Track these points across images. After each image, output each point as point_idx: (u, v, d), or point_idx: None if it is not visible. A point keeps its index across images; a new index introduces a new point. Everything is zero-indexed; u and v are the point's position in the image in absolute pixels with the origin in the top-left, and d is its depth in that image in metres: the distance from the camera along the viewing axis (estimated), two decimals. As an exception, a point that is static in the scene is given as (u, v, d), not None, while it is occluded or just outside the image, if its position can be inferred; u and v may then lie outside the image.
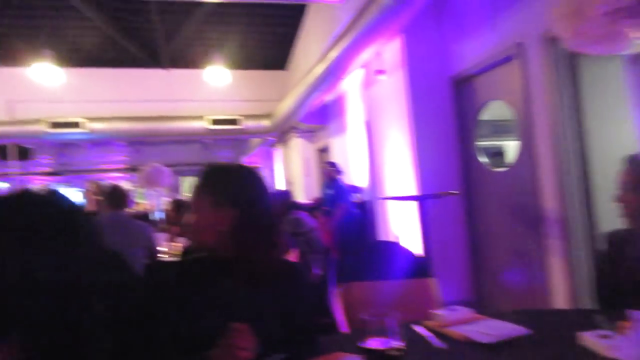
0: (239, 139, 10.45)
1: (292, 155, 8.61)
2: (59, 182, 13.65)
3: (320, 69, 5.15)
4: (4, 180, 10.09)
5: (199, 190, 1.19)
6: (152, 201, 6.39)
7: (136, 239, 3.21)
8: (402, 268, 1.80)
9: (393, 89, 4.49)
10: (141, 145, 12.62)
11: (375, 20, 3.77)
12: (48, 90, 6.98)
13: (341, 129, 6.60)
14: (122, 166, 13.91)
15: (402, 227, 4.45)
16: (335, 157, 6.64)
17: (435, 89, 4.17)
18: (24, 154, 9.81)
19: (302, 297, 1.26)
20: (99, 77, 7.66)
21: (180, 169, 12.38)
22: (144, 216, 4.78)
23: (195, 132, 7.96)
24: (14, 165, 9.31)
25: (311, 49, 7.04)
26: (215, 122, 7.71)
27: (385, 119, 4.80)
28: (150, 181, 5.12)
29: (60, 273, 0.71)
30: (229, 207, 1.15)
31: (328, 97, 6.01)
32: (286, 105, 6.84)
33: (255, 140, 10.19)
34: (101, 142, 9.82)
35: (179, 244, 4.43)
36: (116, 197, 3.20)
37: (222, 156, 14.78)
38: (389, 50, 4.46)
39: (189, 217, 1.19)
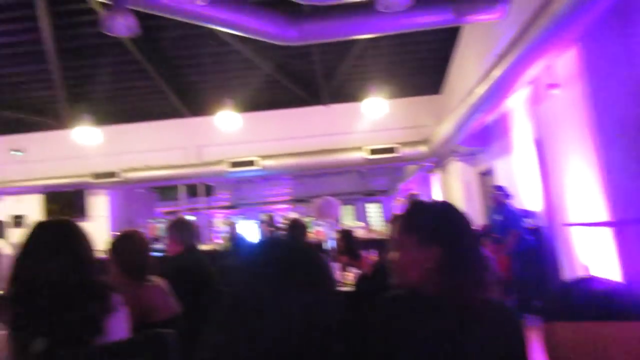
0: (395, 167, 10.50)
1: (451, 180, 8.33)
2: (235, 214, 15.27)
3: (481, 89, 4.94)
4: (194, 214, 11.66)
5: (403, 228, 1.21)
6: (322, 231, 6.75)
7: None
8: (618, 308, 1.58)
9: (570, 102, 4.09)
10: (303, 177, 13.51)
11: (546, 32, 3.50)
12: (228, 134, 7.92)
13: (506, 150, 6.20)
14: (287, 198, 15.05)
15: (591, 257, 3.95)
16: (501, 180, 6.24)
17: (623, 96, 3.68)
18: (208, 191, 11.24)
19: (512, 339, 1.18)
20: (269, 119, 8.45)
21: (338, 199, 12.91)
22: (317, 246, 5.03)
23: (354, 163, 8.22)
24: (201, 201, 10.69)
25: (468, 69, 6.83)
26: (374, 151, 7.87)
27: (561, 135, 4.37)
28: (322, 213, 5.42)
29: (311, 313, 0.78)
30: (434, 245, 1.14)
31: (490, 118, 5.71)
32: (444, 129, 6.69)
33: (412, 167, 10.12)
34: (270, 177, 10.71)
35: (350, 274, 4.55)
36: (297, 229, 3.44)
37: (378, 184, 15.02)
38: (563, 62, 4.09)
39: (392, 254, 1.21)
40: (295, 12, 5.29)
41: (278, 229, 8.66)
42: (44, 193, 8.68)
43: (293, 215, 9.58)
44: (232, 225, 8.24)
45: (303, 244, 0.91)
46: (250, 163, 7.98)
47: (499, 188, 5.57)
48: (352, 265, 4.72)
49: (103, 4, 5.62)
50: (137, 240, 2.24)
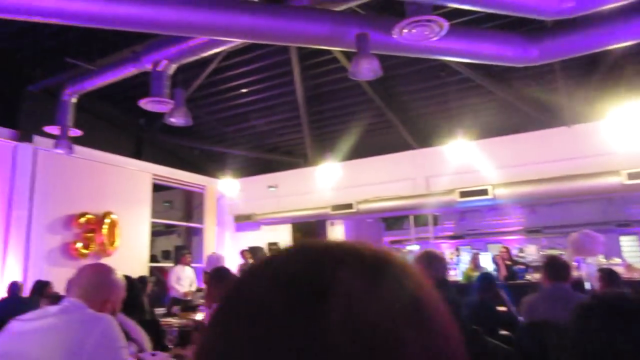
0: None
1: None
2: (460, 245, 14.77)
3: None
4: (419, 244, 11.73)
5: None
6: (580, 268, 5.91)
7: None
8: None
9: None
10: (536, 206, 12.26)
11: None
12: (457, 163, 7.77)
13: None
14: (519, 228, 13.87)
15: None
16: None
17: None
18: (435, 220, 11.19)
19: None
20: (502, 145, 7.94)
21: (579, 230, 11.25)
22: (578, 284, 4.42)
23: (607, 190, 7.12)
24: (427, 231, 10.70)
25: None
26: (634, 175, 6.67)
27: None
28: (582, 249, 4.77)
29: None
30: None
31: None
32: None
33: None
34: (500, 206, 10.06)
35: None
36: (556, 268, 3.07)
37: (635, 213, 12.61)
38: None
39: None
40: (535, 30, 4.94)
41: (515, 262, 7.98)
42: (292, 223, 9.90)
43: (531, 248, 8.73)
44: (475, 257, 7.92)
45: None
46: (483, 192, 7.63)
47: None
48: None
49: (343, 52, 6.23)
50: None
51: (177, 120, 5.11)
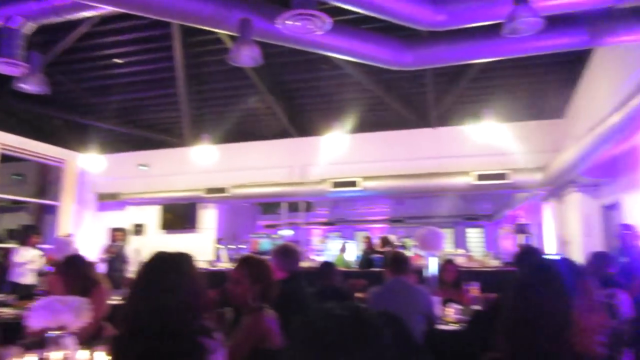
0: (503, 193, 9.94)
1: (568, 212, 7.66)
2: (332, 231, 15.46)
3: (615, 118, 4.51)
4: (293, 229, 12.03)
5: None
6: (421, 256, 6.51)
7: (415, 306, 3.22)
8: None
9: None
10: (402, 198, 13.29)
11: None
12: (333, 154, 8.05)
13: (635, 184, 5.59)
14: (385, 218, 14.90)
15: None
16: (628, 215, 5.62)
17: None
18: (308, 207, 11.52)
19: None
20: (374, 140, 8.42)
21: (437, 222, 12.52)
22: (418, 272, 4.79)
23: (459, 189, 7.93)
24: (300, 216, 10.97)
25: (598, 95, 6.27)
26: (481, 177, 7.53)
27: None
28: (427, 245, 5.26)
29: None
30: None
31: (621, 148, 5.19)
32: (565, 157, 6.20)
33: (522, 194, 9.52)
34: (370, 197, 10.68)
35: (451, 310, 4.30)
36: (398, 263, 3.34)
37: (482, 209, 14.30)
38: None
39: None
40: (411, 37, 5.25)
41: (374, 251, 8.50)
42: (162, 204, 9.43)
43: (390, 236, 9.40)
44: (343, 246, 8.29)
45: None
46: (353, 184, 8.01)
47: (627, 227, 5.02)
48: (453, 299, 4.47)
49: (229, 35, 6.03)
50: (270, 268, 2.32)
51: (29, 86, 4.51)
